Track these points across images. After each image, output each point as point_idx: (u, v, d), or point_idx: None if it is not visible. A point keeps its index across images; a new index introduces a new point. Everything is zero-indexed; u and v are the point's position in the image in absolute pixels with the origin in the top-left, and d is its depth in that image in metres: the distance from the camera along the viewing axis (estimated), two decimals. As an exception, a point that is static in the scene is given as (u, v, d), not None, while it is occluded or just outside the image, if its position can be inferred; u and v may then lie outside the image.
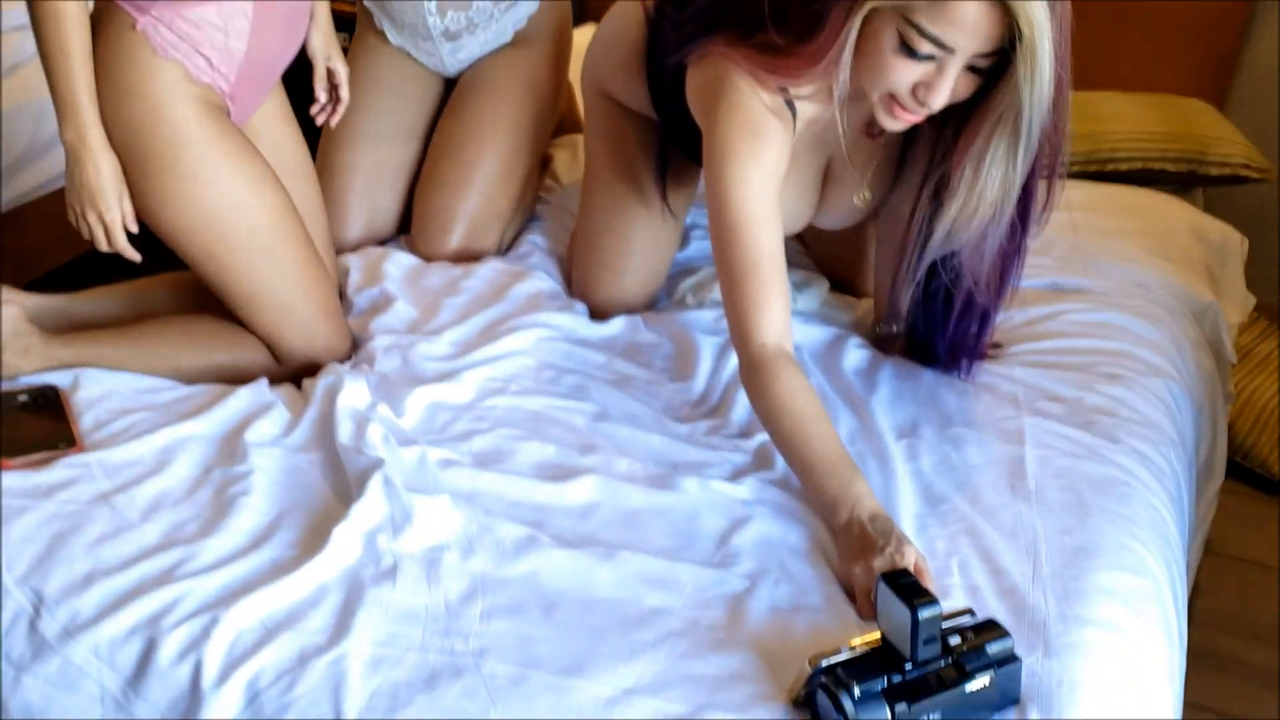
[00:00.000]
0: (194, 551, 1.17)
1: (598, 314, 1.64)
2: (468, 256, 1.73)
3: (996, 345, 1.54)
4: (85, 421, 1.36)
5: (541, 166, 1.96)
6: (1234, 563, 2.04)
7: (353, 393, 1.36)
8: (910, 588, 0.98)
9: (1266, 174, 2.19)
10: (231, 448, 1.31)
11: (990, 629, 1.01)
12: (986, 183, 1.26)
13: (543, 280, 1.67)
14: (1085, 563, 1.17)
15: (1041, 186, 1.33)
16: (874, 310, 1.62)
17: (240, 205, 1.41)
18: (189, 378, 1.46)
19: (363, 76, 1.78)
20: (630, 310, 1.64)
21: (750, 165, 1.31)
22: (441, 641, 1.08)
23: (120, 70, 1.35)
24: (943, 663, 0.99)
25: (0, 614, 1.12)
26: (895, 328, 1.56)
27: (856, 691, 0.95)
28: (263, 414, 1.36)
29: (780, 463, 1.33)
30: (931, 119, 1.30)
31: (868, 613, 1.11)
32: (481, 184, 1.74)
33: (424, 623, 1.10)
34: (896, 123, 1.28)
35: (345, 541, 1.17)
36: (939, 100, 1.22)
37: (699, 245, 1.82)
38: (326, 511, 1.23)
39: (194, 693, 1.06)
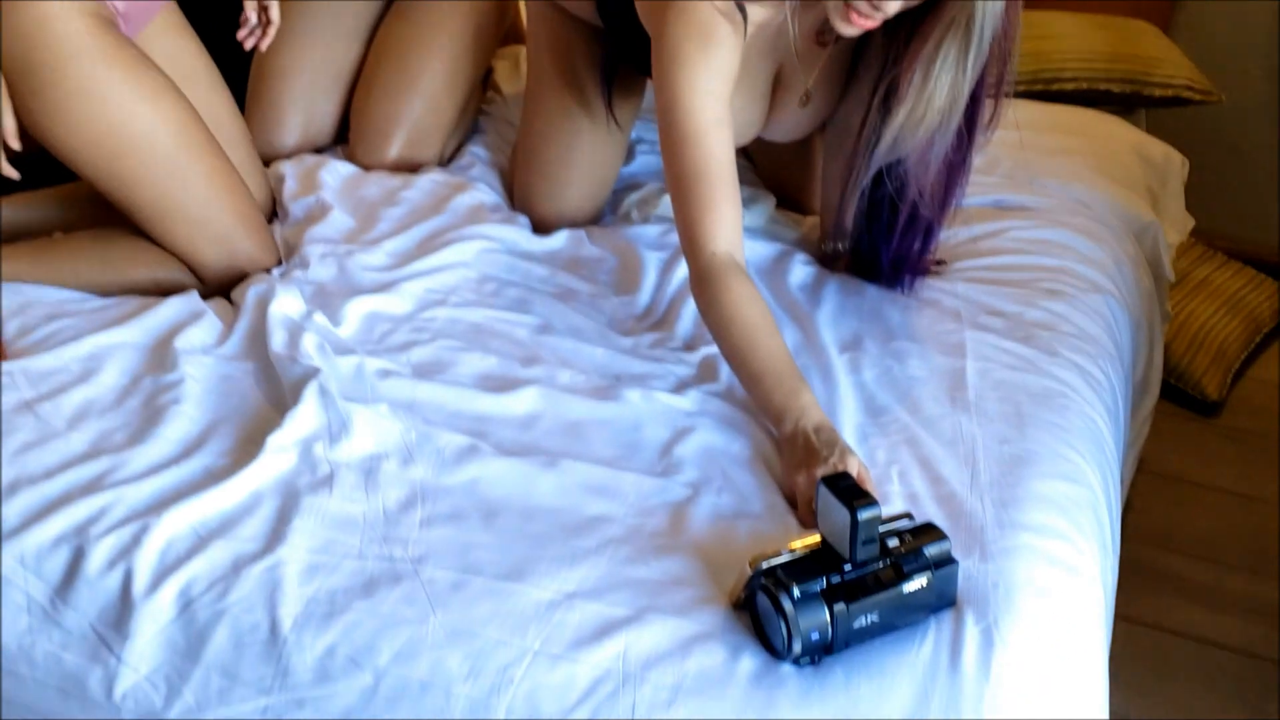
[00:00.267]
0: (123, 460, 1.15)
1: (540, 228, 1.61)
2: (407, 167, 1.69)
3: (940, 262, 1.55)
4: (7, 329, 1.32)
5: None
6: (1167, 481, 2.08)
7: (285, 301, 1.33)
8: (850, 490, 0.98)
9: (1209, 96, 2.20)
10: (161, 356, 1.28)
11: (928, 532, 1.02)
12: (936, 88, 1.25)
13: (484, 192, 1.63)
14: (1022, 471, 1.18)
15: (989, 100, 1.32)
16: (820, 227, 1.61)
17: (135, 117, 1.35)
18: (109, 295, 1.41)
19: (301, -24, 1.72)
20: (573, 224, 1.61)
21: (701, 69, 1.28)
22: (380, 548, 1.07)
23: None
24: (881, 564, 0.99)
25: (-80, 523, 1.09)
26: (840, 245, 1.56)
27: (796, 592, 0.96)
28: (193, 322, 1.33)
29: (724, 375, 1.32)
30: (884, 27, 1.28)
31: (809, 521, 1.11)
32: (424, 91, 1.69)
33: (362, 530, 1.09)
34: (851, 28, 1.26)
35: (280, 449, 1.15)
36: (894, 4, 1.20)
37: (644, 160, 1.79)
38: (261, 420, 1.20)
39: (124, 601, 1.04)
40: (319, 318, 1.32)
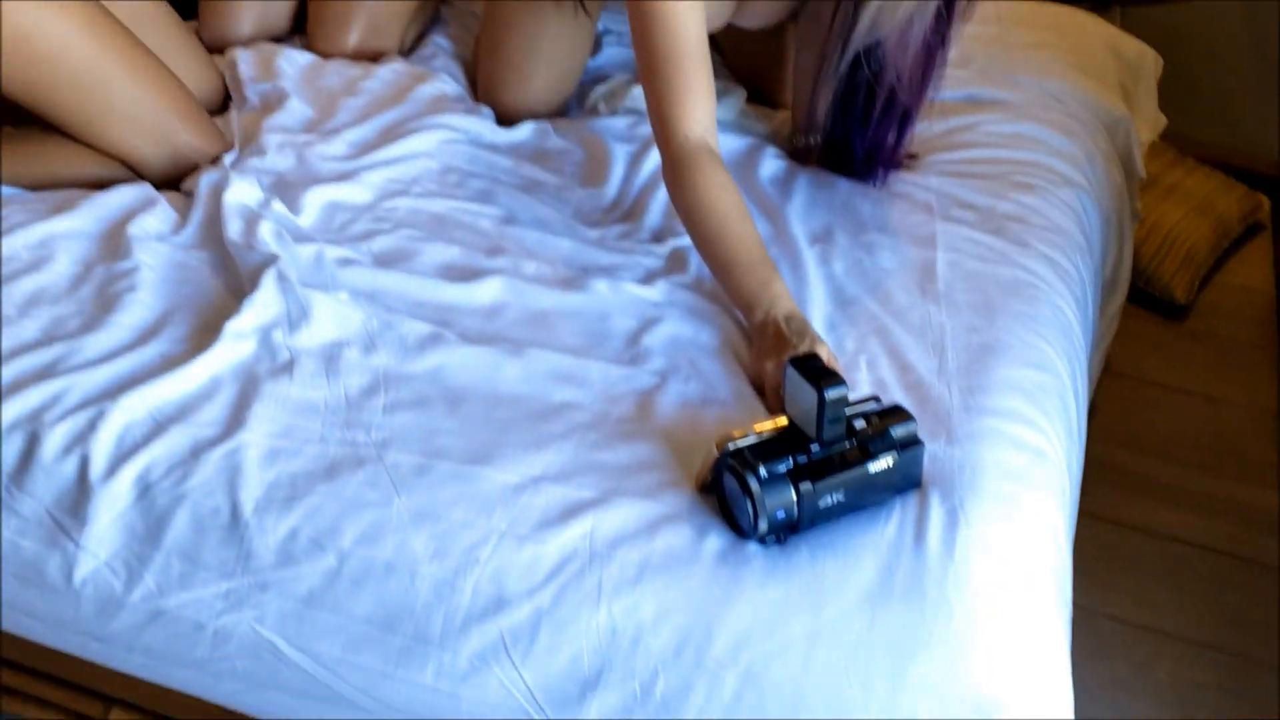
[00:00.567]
0: (77, 347, 1.12)
1: (505, 119, 1.57)
2: (367, 55, 1.64)
3: (912, 156, 1.53)
4: (-46, 219, 1.28)
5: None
6: (1133, 383, 2.09)
7: (240, 190, 1.29)
8: (817, 370, 0.97)
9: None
10: (114, 244, 1.24)
11: (895, 414, 1.02)
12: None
13: (447, 83, 1.59)
14: (990, 358, 1.18)
15: None
16: (791, 119, 1.59)
17: (41, 23, 1.28)
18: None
19: None
20: (538, 117, 1.58)
21: None
22: (342, 433, 1.05)
23: None
24: (847, 445, 0.99)
25: None
26: (813, 139, 1.54)
27: (762, 472, 0.95)
28: (146, 209, 1.29)
29: (694, 266, 1.30)
30: None
31: (777, 408, 1.11)
32: (385, -25, 1.63)
33: (323, 415, 1.07)
34: None
35: (239, 336, 1.12)
36: None
37: (612, 52, 1.75)
38: (218, 308, 1.18)
39: (81, 486, 1.02)
40: (277, 206, 1.29)
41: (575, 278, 1.27)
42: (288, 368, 1.11)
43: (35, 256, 1.22)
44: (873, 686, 0.89)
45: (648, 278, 1.29)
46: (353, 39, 1.63)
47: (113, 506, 1.01)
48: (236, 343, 1.12)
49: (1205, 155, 2.47)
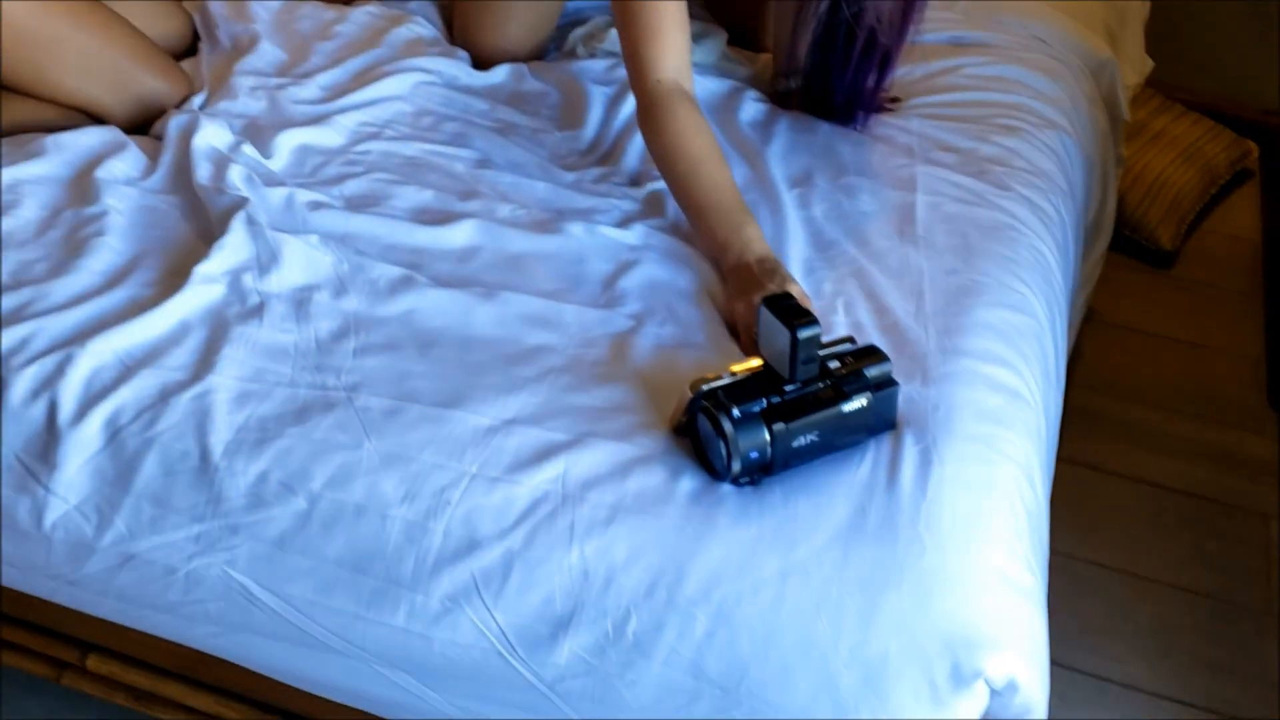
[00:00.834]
0: (44, 291, 1.11)
1: (481, 63, 1.55)
2: (342, -1, 1.62)
3: (894, 99, 1.51)
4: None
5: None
6: (1117, 330, 2.09)
7: (210, 133, 1.27)
8: (791, 309, 0.96)
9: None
10: (82, 188, 1.23)
11: (870, 354, 1.01)
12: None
13: (422, 26, 1.56)
14: (967, 300, 1.17)
15: None
16: (772, 63, 1.57)
17: None
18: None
19: None
20: (515, 60, 1.55)
21: None
22: (312, 377, 1.05)
23: None
24: (821, 385, 0.98)
25: None
26: (793, 82, 1.52)
27: (736, 413, 0.95)
28: (115, 153, 1.27)
29: (671, 209, 1.29)
30: None
31: (750, 350, 1.10)
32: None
33: (293, 359, 1.06)
34: None
35: (208, 280, 1.11)
36: None
37: (591, -5, 1.72)
38: (187, 252, 1.16)
39: (50, 430, 1.01)
40: (248, 149, 1.27)
41: (550, 221, 1.25)
42: (257, 311, 1.10)
43: (1, 202, 1.20)
44: (843, 624, 0.89)
45: (624, 221, 1.28)
46: (327, -20, 1.61)
47: (82, 451, 1.00)
48: (206, 287, 1.11)
49: (1193, 101, 2.44)
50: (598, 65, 1.54)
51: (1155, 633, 1.59)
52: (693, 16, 1.63)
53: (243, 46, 1.47)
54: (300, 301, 1.11)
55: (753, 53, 1.65)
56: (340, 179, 1.28)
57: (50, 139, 1.29)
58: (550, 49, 1.63)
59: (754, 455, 0.95)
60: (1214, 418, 1.93)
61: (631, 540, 0.93)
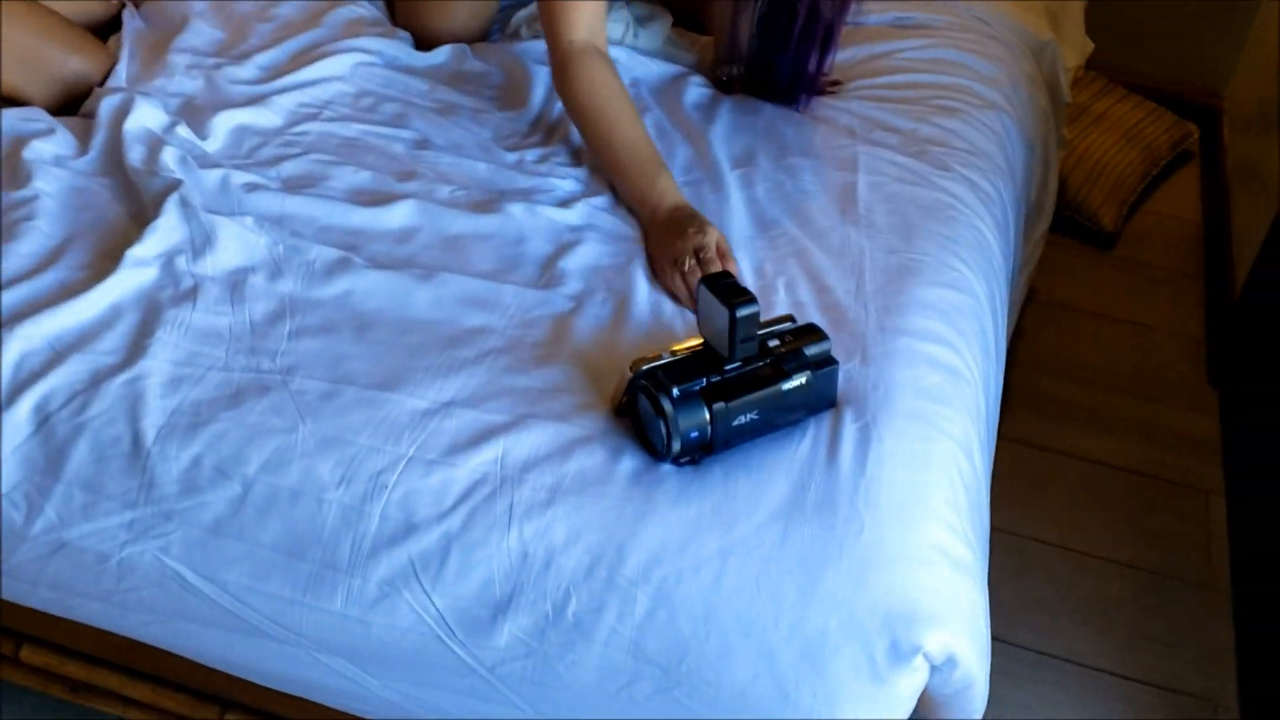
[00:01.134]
0: (-30, 276, 1.08)
1: (424, 44, 1.53)
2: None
3: (835, 82, 1.51)
4: None
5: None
6: (1059, 310, 2.11)
7: (144, 114, 1.25)
8: (729, 288, 0.96)
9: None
10: (11, 170, 1.20)
11: (809, 333, 1.01)
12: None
13: (363, 7, 1.55)
14: (907, 279, 1.17)
15: None
16: (715, 49, 1.56)
17: None
18: None
19: None
20: (459, 41, 1.54)
21: None
22: (247, 360, 1.03)
23: None
24: (761, 364, 0.98)
25: None
26: (735, 69, 1.52)
27: (675, 392, 0.94)
28: (43, 135, 1.24)
29: (613, 188, 1.29)
30: None
31: (670, 284, 1.14)
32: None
33: (228, 342, 1.04)
34: None
35: (140, 263, 1.09)
36: None
37: (534, -24, 1.71)
38: (120, 235, 1.14)
39: (-24, 417, 0.99)
40: (182, 130, 1.25)
41: (490, 201, 1.24)
42: (191, 294, 1.08)
43: (-75, 184, 1.17)
44: (783, 600, 0.89)
45: (566, 201, 1.27)
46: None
47: (11, 438, 0.98)
48: (138, 270, 1.09)
49: (1135, 84, 2.47)
50: (540, 46, 1.52)
51: (1097, 607, 1.61)
52: (639, 0, 1.63)
53: (177, 25, 1.45)
54: (235, 284, 1.09)
55: (698, 35, 1.65)
56: (277, 160, 1.26)
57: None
58: (494, 30, 1.62)
59: (694, 434, 0.95)
60: (1155, 396, 1.96)
61: (571, 521, 0.93)
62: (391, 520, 0.94)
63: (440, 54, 1.49)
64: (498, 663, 0.93)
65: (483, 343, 1.07)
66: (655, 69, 1.53)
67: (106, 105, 1.27)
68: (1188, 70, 2.53)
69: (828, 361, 1.00)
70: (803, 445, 0.98)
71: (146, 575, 0.97)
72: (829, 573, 0.90)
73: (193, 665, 1.06)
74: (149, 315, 1.06)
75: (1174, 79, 2.54)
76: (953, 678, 0.93)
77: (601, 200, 1.28)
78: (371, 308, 1.09)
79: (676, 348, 1.00)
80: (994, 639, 0.98)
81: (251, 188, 1.20)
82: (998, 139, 1.45)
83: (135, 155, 1.20)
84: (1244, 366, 1.92)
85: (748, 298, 0.95)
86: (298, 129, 1.31)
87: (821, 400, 1.01)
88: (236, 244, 1.12)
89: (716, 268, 1.13)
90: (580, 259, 1.18)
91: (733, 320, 0.94)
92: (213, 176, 1.20)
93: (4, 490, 0.98)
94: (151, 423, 0.98)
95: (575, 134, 1.37)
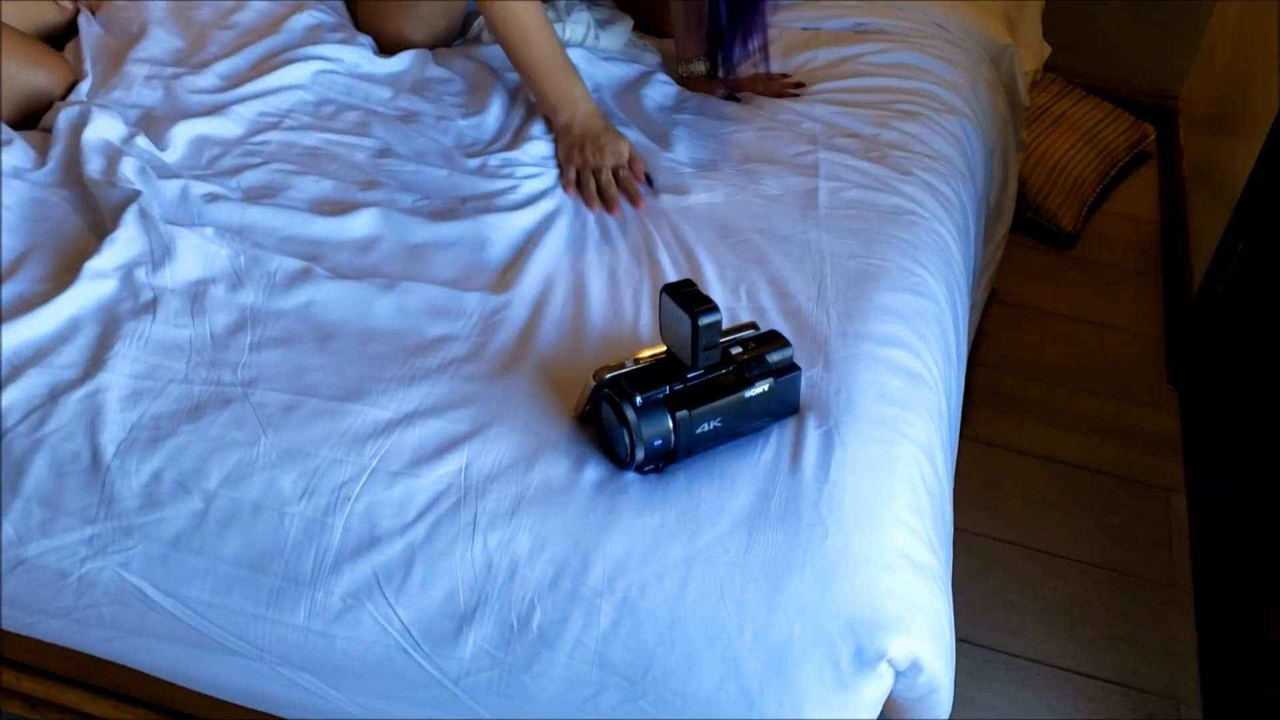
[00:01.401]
0: (-76, 290, 1.07)
1: (387, 50, 1.53)
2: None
3: (799, 85, 1.52)
4: None
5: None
6: (1020, 310, 2.13)
7: (102, 125, 1.24)
8: (691, 296, 0.96)
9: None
10: (-35, 182, 1.19)
11: (772, 340, 1.02)
12: None
13: (323, 13, 1.54)
14: (868, 284, 1.18)
15: None
16: (675, 49, 1.57)
17: None
18: None
19: None
20: (422, 46, 1.53)
21: None
22: (207, 373, 1.02)
23: None
24: (724, 371, 0.98)
25: None
26: (695, 67, 1.53)
27: (638, 400, 0.95)
28: (1, 147, 1.23)
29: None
30: None
31: (571, 188, 1.27)
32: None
33: (188, 355, 1.04)
34: None
35: (99, 275, 1.08)
36: None
37: (495, -18, 1.70)
38: (79, 247, 1.13)
39: (-69, 433, 0.98)
40: (141, 141, 1.24)
41: (453, 209, 1.24)
42: (150, 307, 1.07)
43: (-123, 197, 1.16)
44: (747, 608, 0.90)
45: (527, 203, 1.27)
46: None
47: (-34, 454, 0.97)
48: (97, 282, 1.08)
49: (1093, 85, 2.50)
50: (502, 51, 1.52)
51: (1061, 607, 1.63)
52: (600, 3, 1.63)
53: (135, 35, 1.43)
54: (195, 296, 1.09)
55: (657, 38, 1.66)
56: (238, 170, 1.25)
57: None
58: (455, 36, 1.61)
59: (657, 443, 0.95)
60: (1115, 395, 1.98)
61: (535, 531, 0.93)
62: (354, 532, 0.93)
63: (402, 60, 1.49)
64: (462, 674, 0.93)
65: (445, 351, 1.07)
66: (617, 72, 1.53)
67: (64, 117, 1.26)
68: (1144, 72, 2.56)
69: (790, 368, 1.01)
70: (766, 452, 0.99)
71: (107, 591, 0.96)
72: (793, 579, 0.91)
73: (154, 681, 1.05)
74: (108, 328, 1.05)
75: (1131, 81, 2.57)
76: (918, 682, 0.93)
77: (563, 205, 1.28)
78: (333, 318, 1.09)
79: (639, 356, 1.00)
80: (958, 640, 0.99)
81: (212, 198, 1.19)
82: (958, 143, 1.47)
83: (94, 166, 1.19)
84: (1203, 365, 1.95)
85: (709, 306, 0.95)
86: (258, 138, 1.30)
87: (784, 407, 1.02)
88: (196, 255, 1.11)
89: (631, 184, 1.26)
90: (541, 263, 1.18)
91: (695, 328, 0.95)
92: (172, 187, 1.19)
93: (-40, 507, 0.97)
94: (111, 437, 0.97)
95: (537, 138, 1.37)
